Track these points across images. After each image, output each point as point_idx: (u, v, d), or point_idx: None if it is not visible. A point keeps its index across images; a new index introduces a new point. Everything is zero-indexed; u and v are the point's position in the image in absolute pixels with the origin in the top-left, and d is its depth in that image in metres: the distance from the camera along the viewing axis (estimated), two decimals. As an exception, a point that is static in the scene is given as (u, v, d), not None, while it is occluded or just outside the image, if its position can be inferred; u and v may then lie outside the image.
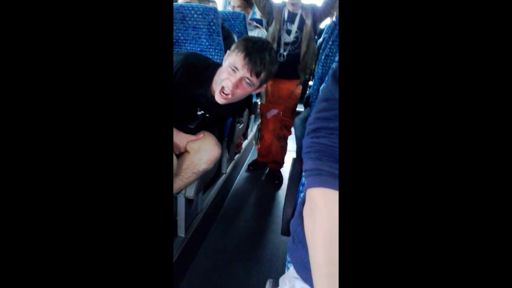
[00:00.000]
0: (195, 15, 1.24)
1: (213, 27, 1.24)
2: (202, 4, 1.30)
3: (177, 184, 0.99)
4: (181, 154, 1.00)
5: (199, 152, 0.98)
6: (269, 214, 1.58)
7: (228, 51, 0.90)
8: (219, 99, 0.90)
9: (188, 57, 0.94)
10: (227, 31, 1.51)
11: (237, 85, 0.86)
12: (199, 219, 1.23)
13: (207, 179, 1.42)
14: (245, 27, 1.78)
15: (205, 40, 1.27)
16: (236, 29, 1.76)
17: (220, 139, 1.27)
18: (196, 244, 1.23)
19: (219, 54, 1.28)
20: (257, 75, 0.86)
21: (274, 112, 1.78)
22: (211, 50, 1.28)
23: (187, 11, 1.24)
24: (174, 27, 1.27)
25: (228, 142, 1.53)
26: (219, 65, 0.98)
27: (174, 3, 1.32)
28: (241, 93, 0.89)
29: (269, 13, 1.61)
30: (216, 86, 0.91)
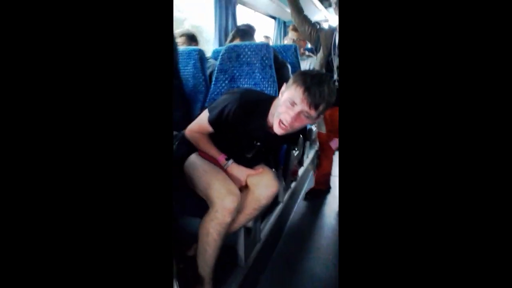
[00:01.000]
0: (249, 52, 1.33)
1: (266, 61, 1.31)
2: (255, 42, 1.39)
3: (240, 220, 1.00)
4: (241, 189, 1.02)
5: (259, 187, 0.99)
6: (330, 246, 1.48)
7: (285, 84, 0.93)
8: (278, 130, 0.91)
9: (243, 94, 0.99)
10: (282, 62, 1.58)
11: (295, 118, 0.88)
12: (258, 249, 1.22)
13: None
14: (297, 58, 1.83)
15: (258, 74, 1.34)
16: (288, 60, 1.83)
17: (275, 166, 1.28)
18: (257, 274, 1.21)
19: (272, 86, 1.33)
20: (316, 107, 0.86)
21: (337, 141, 1.73)
22: (264, 82, 1.34)
23: (241, 50, 1.34)
24: (230, 65, 1.38)
25: (284, 169, 1.53)
26: (273, 97, 1.02)
27: (228, 44, 1.43)
28: (299, 125, 0.91)
29: (317, 40, 1.63)
30: (273, 119, 0.93)
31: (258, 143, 1.06)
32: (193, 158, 1.01)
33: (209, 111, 1.00)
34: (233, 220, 0.96)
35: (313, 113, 0.87)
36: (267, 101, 1.01)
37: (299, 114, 0.88)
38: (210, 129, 1.01)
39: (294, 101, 0.86)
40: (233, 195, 0.88)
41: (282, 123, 0.90)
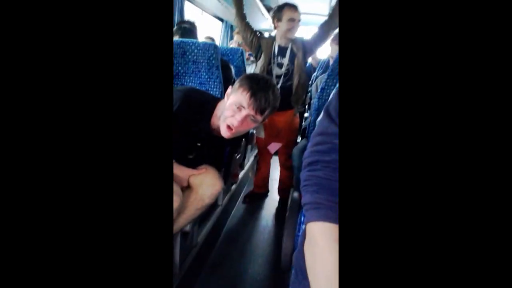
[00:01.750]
0: (196, 50, 1.30)
1: (213, 61, 1.29)
2: (203, 41, 1.36)
3: (180, 222, 0.96)
4: (183, 189, 0.98)
5: (202, 187, 0.96)
6: (268, 247, 1.52)
7: (230, 87, 0.93)
8: (225, 133, 0.91)
9: (186, 93, 0.96)
10: (225, 63, 1.57)
11: (242, 122, 0.88)
12: (194, 254, 1.18)
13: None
14: (243, 62, 1.85)
15: (204, 74, 1.31)
16: (234, 63, 1.83)
17: (218, 168, 1.27)
18: (191, 281, 1.17)
19: (218, 87, 1.31)
20: (262, 112, 0.88)
21: (278, 146, 1.78)
22: (210, 83, 1.32)
23: (188, 47, 1.29)
24: (175, 61, 1.32)
25: (226, 172, 1.52)
26: (218, 99, 1.01)
27: (174, 39, 1.37)
28: (245, 128, 0.92)
29: (257, 48, 1.68)
30: (219, 121, 0.92)
31: (199, 144, 1.04)
32: None
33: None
34: (175, 222, 0.92)
35: (259, 117, 0.89)
36: (211, 102, 0.99)
37: (246, 118, 0.88)
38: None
39: (242, 105, 0.87)
40: (174, 195, 0.85)
41: (229, 127, 0.89)
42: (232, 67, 1.63)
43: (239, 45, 2.10)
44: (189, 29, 1.55)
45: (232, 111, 0.88)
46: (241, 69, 1.80)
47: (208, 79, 1.32)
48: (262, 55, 1.64)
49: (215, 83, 1.31)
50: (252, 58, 2.29)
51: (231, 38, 3.28)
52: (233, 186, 1.83)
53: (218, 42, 3.41)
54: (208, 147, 1.06)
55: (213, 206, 1.53)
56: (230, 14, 3.17)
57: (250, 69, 2.16)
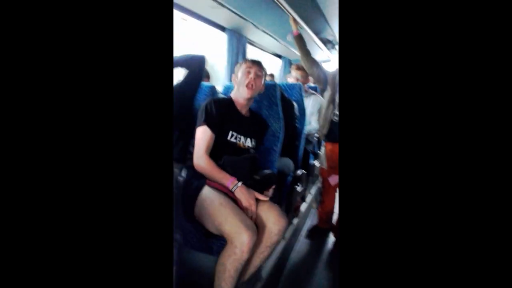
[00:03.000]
0: (257, 90, 1.40)
1: (273, 100, 1.37)
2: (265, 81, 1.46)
3: (255, 262, 0.99)
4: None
5: (268, 224, 0.99)
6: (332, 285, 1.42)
7: (233, 75, 1.27)
8: (246, 92, 1.19)
9: (210, 99, 1.19)
10: (288, 99, 1.65)
11: (254, 79, 1.20)
12: (259, 288, 1.18)
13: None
14: (301, 95, 1.90)
15: (265, 111, 1.39)
16: (293, 97, 1.90)
17: (279, 202, 1.28)
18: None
19: (277, 122, 1.38)
20: (260, 66, 1.23)
21: (337, 178, 1.73)
22: (270, 119, 1.39)
23: (250, 88, 1.41)
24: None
25: (287, 205, 1.52)
26: (231, 98, 1.26)
27: None
28: (258, 83, 1.22)
29: (325, 81, 1.72)
30: (239, 89, 1.22)
31: (242, 140, 1.19)
32: (206, 191, 1.01)
33: (198, 121, 1.14)
34: (249, 263, 0.95)
35: (260, 73, 1.22)
36: (229, 98, 1.26)
37: (254, 75, 1.20)
38: (212, 136, 1.11)
39: (247, 69, 1.21)
40: (251, 231, 0.88)
41: (248, 86, 1.19)
42: (295, 104, 1.70)
43: (297, 80, 2.18)
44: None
45: (244, 76, 1.20)
46: (299, 103, 1.85)
47: (269, 116, 1.39)
48: (328, 87, 1.68)
49: (275, 119, 1.38)
50: (310, 91, 2.33)
51: (288, 71, 3.42)
52: (295, 220, 1.81)
53: (277, 75, 3.59)
54: (242, 135, 1.21)
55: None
56: (288, 51, 3.34)
57: (309, 101, 2.20)
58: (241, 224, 0.88)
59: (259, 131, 1.30)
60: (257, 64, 1.23)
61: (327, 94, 1.72)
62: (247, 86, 1.19)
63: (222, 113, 1.15)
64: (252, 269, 1.00)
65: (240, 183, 1.03)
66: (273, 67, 3.73)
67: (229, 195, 1.02)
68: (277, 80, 3.56)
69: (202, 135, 1.10)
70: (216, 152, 1.11)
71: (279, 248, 1.48)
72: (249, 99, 1.23)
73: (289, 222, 1.69)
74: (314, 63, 1.73)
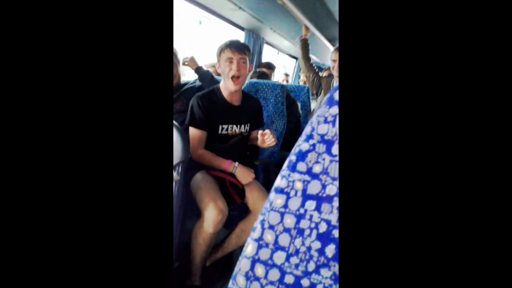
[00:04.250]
0: (266, 89, 1.58)
1: (279, 98, 1.55)
2: (272, 82, 1.64)
3: (244, 238, 1.13)
4: (247, 211, 1.15)
5: (258, 210, 1.12)
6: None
7: (217, 56, 1.18)
8: (232, 85, 1.14)
9: (196, 96, 1.18)
10: (292, 99, 1.82)
11: (239, 67, 1.12)
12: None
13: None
14: (308, 98, 2.06)
15: (271, 108, 1.57)
16: (300, 99, 2.06)
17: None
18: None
19: (281, 119, 1.55)
20: (245, 51, 1.14)
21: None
22: (275, 115, 1.57)
23: (260, 86, 1.59)
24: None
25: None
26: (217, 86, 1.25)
27: (250, 81, 1.69)
28: (244, 71, 1.15)
29: (318, 86, 1.88)
30: (225, 81, 1.16)
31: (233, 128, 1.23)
32: (198, 176, 1.15)
33: (188, 122, 1.17)
34: (240, 238, 1.13)
35: (246, 56, 1.14)
36: (216, 91, 1.22)
37: (238, 63, 1.12)
38: (202, 133, 1.16)
39: (229, 58, 1.12)
40: (218, 210, 1.01)
41: (234, 77, 1.13)
42: (298, 103, 1.86)
43: (305, 82, 2.34)
44: (264, 73, 1.87)
45: (227, 67, 1.13)
46: (306, 105, 2.01)
47: (274, 113, 1.57)
48: (322, 92, 1.84)
49: (280, 116, 1.56)
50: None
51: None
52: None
53: (292, 75, 3.75)
54: (234, 124, 1.22)
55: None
56: (303, 54, 3.49)
57: (314, 104, 2.35)
58: (212, 202, 1.01)
59: (253, 116, 1.30)
60: (238, 49, 1.13)
61: (319, 98, 1.88)
62: (232, 79, 1.14)
63: (208, 109, 1.15)
64: (229, 247, 1.15)
65: (237, 163, 1.16)
66: (289, 67, 3.88)
67: (227, 178, 1.16)
68: (291, 79, 3.71)
69: (193, 135, 1.16)
70: (210, 144, 1.20)
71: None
72: (237, 91, 1.19)
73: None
74: (311, 68, 1.89)
